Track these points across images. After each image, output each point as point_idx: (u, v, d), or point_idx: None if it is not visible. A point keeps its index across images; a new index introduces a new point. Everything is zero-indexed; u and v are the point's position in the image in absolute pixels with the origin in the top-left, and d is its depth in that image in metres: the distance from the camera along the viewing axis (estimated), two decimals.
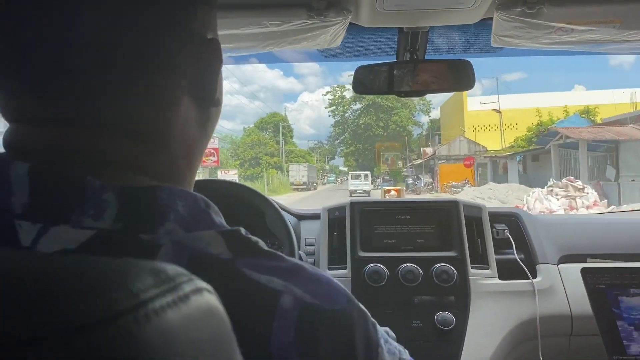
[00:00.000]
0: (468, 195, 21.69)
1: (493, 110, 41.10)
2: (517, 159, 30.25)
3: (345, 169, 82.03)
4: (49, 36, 0.42)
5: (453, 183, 31.98)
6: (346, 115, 71.27)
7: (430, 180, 38.43)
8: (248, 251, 0.45)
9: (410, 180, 37.47)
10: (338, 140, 74.45)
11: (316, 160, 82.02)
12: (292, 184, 49.48)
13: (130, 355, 0.22)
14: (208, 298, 0.29)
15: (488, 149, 37.53)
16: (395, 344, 0.54)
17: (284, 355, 0.41)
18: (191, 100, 0.52)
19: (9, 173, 0.40)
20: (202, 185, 1.53)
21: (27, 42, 0.42)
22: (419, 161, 47.24)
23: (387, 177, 48.95)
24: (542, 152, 26.86)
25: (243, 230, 0.47)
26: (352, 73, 1.56)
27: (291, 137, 72.82)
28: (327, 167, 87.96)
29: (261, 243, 0.47)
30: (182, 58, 0.49)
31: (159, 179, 0.48)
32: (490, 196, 20.80)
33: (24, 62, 0.43)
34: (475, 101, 45.93)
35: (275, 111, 76.04)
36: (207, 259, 0.42)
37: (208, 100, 0.54)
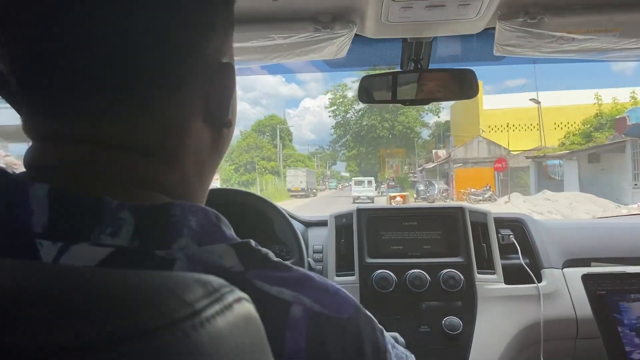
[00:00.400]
0: (518, 207, 16.95)
1: (531, 100, 34.71)
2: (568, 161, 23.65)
3: (347, 174, 78.74)
4: (70, 55, 0.43)
5: (472, 190, 27.81)
6: (348, 116, 64.12)
7: (445, 186, 33.59)
8: (258, 263, 0.46)
9: (421, 187, 33.38)
10: (339, 144, 67.31)
11: (317, 165, 77.94)
12: (289, 190, 45.52)
13: (189, 359, 0.25)
14: (247, 307, 0.31)
15: (511, 150, 32.93)
16: (402, 349, 0.55)
17: None
18: (204, 122, 0.53)
19: (29, 194, 0.42)
20: (212, 194, 1.56)
21: (50, 57, 0.44)
22: (431, 165, 42.63)
23: (393, 183, 46.21)
24: (605, 151, 21.57)
25: (253, 242, 0.48)
26: (355, 79, 1.59)
27: (290, 140, 68.96)
28: (328, 173, 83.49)
29: (270, 254, 0.49)
30: (197, 81, 0.50)
31: (171, 195, 0.49)
32: (551, 209, 15.85)
33: (47, 76, 0.44)
34: (491, 100, 41.68)
35: (273, 113, 72.20)
36: (220, 272, 0.42)
37: (220, 121, 0.55)
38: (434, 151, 45.32)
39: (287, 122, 76.61)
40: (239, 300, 0.31)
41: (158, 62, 0.46)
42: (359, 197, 33.90)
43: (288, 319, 0.43)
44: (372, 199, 33.85)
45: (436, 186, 32.74)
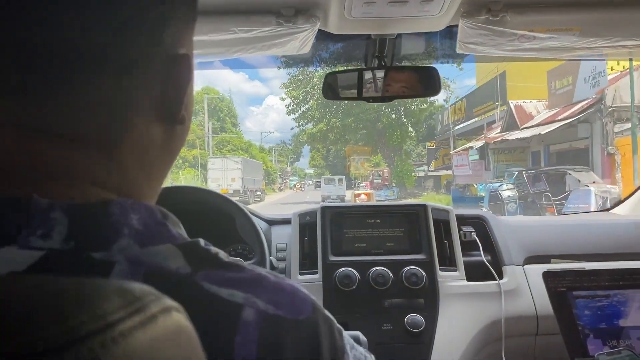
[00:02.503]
0: None
1: None
2: None
3: (312, 171, 69.61)
4: (2, 36, 0.40)
5: None
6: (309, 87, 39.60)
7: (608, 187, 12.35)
8: (208, 264, 0.43)
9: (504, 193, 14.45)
10: (298, 115, 40.25)
11: (275, 161, 63.74)
12: None
13: None
14: (176, 317, 0.29)
15: None
16: (361, 349, 0.53)
17: None
18: (155, 115, 0.49)
19: None
20: (170, 191, 1.52)
21: None
22: (479, 143, 23.23)
23: (379, 181, 34.13)
24: None
25: (202, 242, 0.46)
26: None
27: (234, 125, 54.17)
28: (288, 169, 70.65)
29: (221, 254, 0.46)
30: (147, 70, 0.47)
31: (113, 191, 0.45)
32: None
33: None
34: None
35: (207, 85, 54.11)
36: (165, 275, 0.40)
37: (173, 116, 0.51)
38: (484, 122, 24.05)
39: (232, 100, 56.97)
40: (165, 310, 0.28)
41: (100, 45, 0.43)
42: (328, 197, 30.86)
43: (239, 323, 0.41)
44: (342, 199, 30.69)
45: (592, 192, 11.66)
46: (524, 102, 20.69)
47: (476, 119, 26.22)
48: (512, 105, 20.65)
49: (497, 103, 23.13)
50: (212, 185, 27.74)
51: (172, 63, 0.49)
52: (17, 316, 0.22)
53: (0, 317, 0.22)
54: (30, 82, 0.42)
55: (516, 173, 15.75)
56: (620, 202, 2.25)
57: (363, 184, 36.59)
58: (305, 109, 40.16)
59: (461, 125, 28.29)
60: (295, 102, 40.43)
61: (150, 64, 0.47)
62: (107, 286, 0.26)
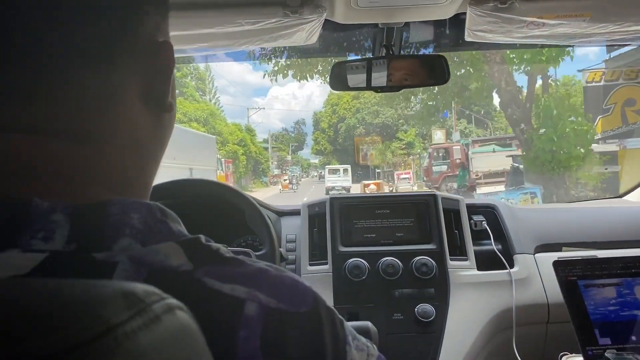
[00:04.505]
0: None
1: None
2: None
3: (316, 160, 60.57)
4: None
5: None
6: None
7: None
8: (209, 260, 0.44)
9: None
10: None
11: (270, 149, 50.04)
12: None
13: None
14: (180, 316, 0.29)
15: None
16: (364, 339, 0.53)
17: None
18: (142, 104, 0.50)
19: None
20: (179, 185, 1.53)
21: None
22: None
23: (444, 169, 21.52)
24: None
25: (203, 238, 0.46)
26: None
27: (203, 92, 41.46)
28: (288, 158, 60.52)
29: (222, 250, 0.46)
30: (131, 60, 0.48)
31: (108, 186, 0.46)
32: None
33: None
34: None
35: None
36: (167, 273, 0.41)
37: (160, 104, 0.52)
38: None
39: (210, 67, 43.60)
40: (169, 310, 0.28)
41: (84, 38, 0.44)
42: (333, 188, 28.66)
43: (241, 318, 0.41)
44: (348, 190, 28.39)
45: None
46: None
47: None
48: None
49: None
50: None
51: (154, 51, 0.50)
52: (22, 321, 0.22)
53: (4, 322, 0.22)
54: (12, 82, 0.42)
55: None
56: (633, 188, 2.23)
57: (405, 175, 26.89)
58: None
59: None
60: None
61: (131, 53, 0.48)
62: (110, 288, 0.26)
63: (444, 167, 21.00)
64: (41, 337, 0.22)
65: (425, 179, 22.86)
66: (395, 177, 27.55)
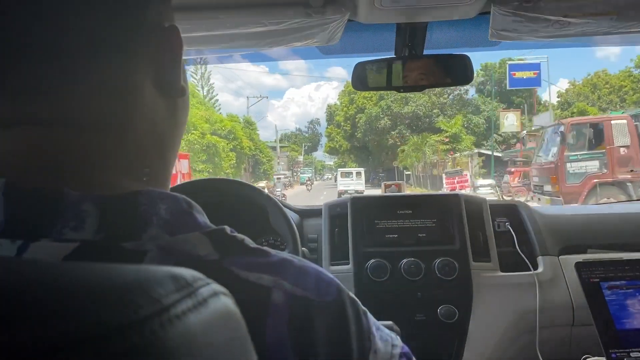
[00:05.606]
0: None
1: None
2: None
3: (332, 162, 58.41)
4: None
5: None
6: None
7: None
8: (235, 250, 0.45)
9: None
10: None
11: (278, 150, 48.66)
12: None
13: (156, 359, 0.23)
14: (224, 301, 0.30)
15: None
16: (387, 331, 0.54)
17: (279, 349, 0.41)
18: (155, 89, 0.51)
19: None
20: (205, 184, 1.54)
21: None
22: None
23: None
24: None
25: (228, 229, 0.47)
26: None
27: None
28: (300, 159, 57.51)
29: (247, 240, 0.47)
30: (139, 46, 0.49)
31: (134, 177, 0.48)
32: None
33: None
34: None
35: None
36: (195, 262, 0.41)
37: (173, 88, 0.53)
38: None
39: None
40: (214, 294, 0.29)
41: (92, 28, 0.45)
42: (346, 191, 25.91)
43: (269, 305, 0.42)
44: (361, 194, 25.42)
45: None
46: None
47: None
48: None
49: None
50: None
51: (162, 36, 0.51)
52: (81, 299, 0.23)
53: (65, 300, 0.23)
54: (34, 78, 0.44)
55: None
56: None
57: (462, 175, 20.21)
58: None
59: None
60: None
61: (141, 40, 0.49)
62: (161, 271, 0.27)
63: (594, 164, 11.42)
64: (101, 314, 0.22)
65: (547, 189, 12.20)
66: (446, 182, 19.46)
